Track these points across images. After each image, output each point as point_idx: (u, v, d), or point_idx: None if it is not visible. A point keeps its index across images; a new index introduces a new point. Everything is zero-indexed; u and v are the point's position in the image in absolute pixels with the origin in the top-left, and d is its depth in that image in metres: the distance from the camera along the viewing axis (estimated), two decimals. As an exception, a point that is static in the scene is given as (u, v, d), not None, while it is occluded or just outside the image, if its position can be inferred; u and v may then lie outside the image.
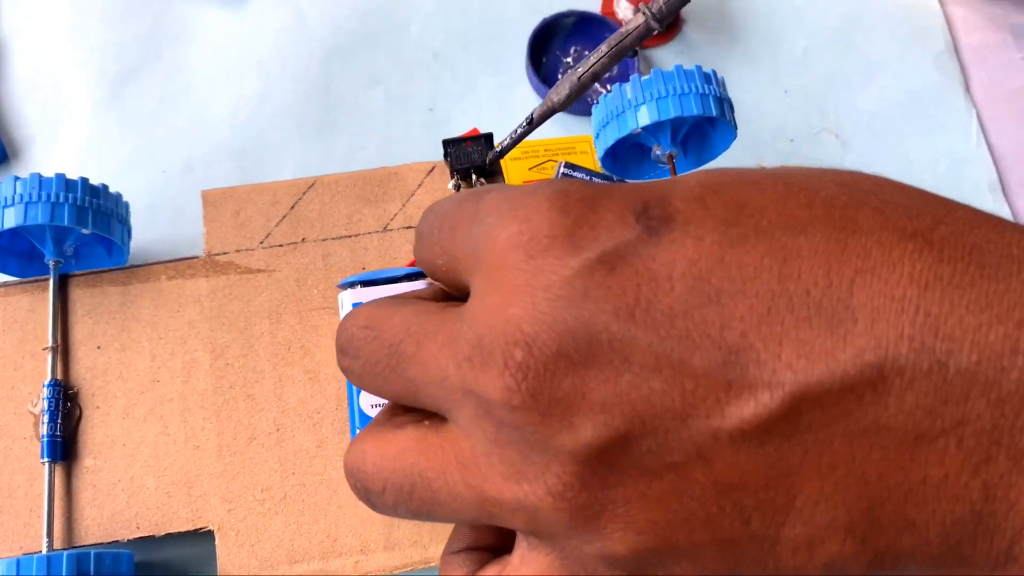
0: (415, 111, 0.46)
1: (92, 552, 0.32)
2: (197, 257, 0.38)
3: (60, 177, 0.36)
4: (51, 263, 0.37)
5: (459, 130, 0.46)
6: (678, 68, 0.36)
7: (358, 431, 0.33)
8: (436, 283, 0.22)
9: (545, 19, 0.48)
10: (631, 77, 0.36)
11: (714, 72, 0.36)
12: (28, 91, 0.45)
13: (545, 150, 0.41)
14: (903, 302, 0.15)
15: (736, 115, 0.37)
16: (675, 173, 0.38)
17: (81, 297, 0.37)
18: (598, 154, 0.38)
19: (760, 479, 0.16)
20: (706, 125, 0.39)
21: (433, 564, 0.34)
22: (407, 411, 0.20)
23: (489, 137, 0.38)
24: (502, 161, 0.39)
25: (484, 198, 0.19)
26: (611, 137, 0.36)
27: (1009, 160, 0.49)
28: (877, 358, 0.15)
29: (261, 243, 0.38)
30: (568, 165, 0.38)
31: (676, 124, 0.37)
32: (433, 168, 0.40)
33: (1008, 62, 0.52)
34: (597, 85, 0.48)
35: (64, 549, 0.33)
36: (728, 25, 0.51)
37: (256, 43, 0.47)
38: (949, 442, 0.15)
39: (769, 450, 0.16)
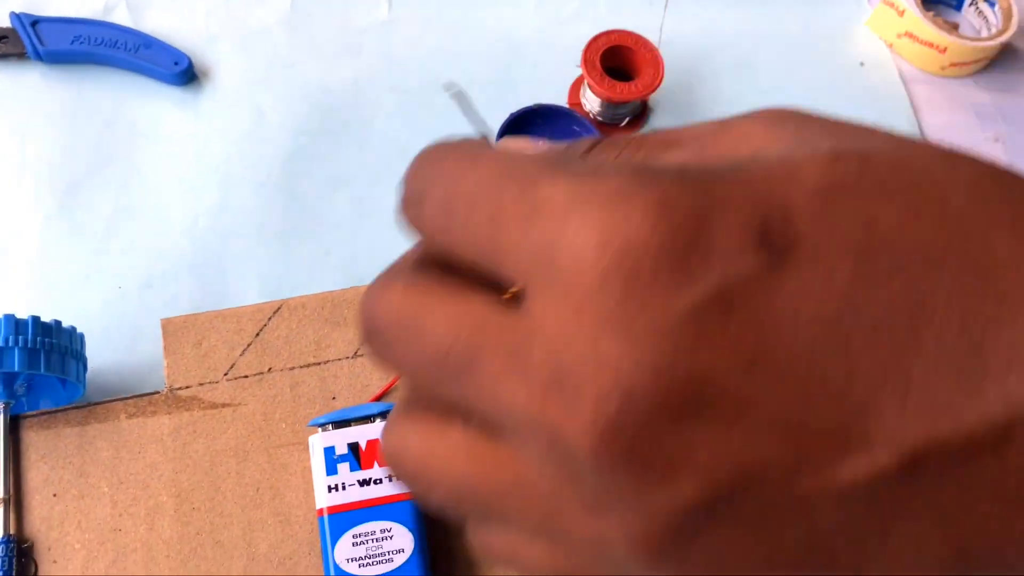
0: (383, 214, 0.45)
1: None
2: (158, 392, 0.36)
3: (9, 318, 0.34)
4: (0, 404, 0.35)
5: (428, 232, 0.45)
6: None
7: None
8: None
9: (513, 114, 0.47)
10: None
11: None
12: (-28, 204, 0.43)
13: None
14: None
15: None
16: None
17: (35, 440, 0.35)
18: None
19: (859, 526, 0.15)
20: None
21: None
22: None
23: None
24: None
25: (541, 186, 0.15)
26: None
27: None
28: (1006, 417, 0.14)
29: (225, 375, 0.37)
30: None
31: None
32: (403, 288, 0.39)
33: (976, 143, 0.52)
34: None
35: None
36: (695, 112, 0.51)
37: (214, 147, 0.45)
38: None
39: (874, 503, 0.15)
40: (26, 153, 0.44)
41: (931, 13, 0.52)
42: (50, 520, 0.34)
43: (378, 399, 0.37)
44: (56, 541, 0.34)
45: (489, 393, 0.16)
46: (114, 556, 0.34)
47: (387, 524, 0.33)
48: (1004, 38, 0.52)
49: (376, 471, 0.33)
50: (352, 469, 0.33)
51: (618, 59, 0.48)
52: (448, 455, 0.17)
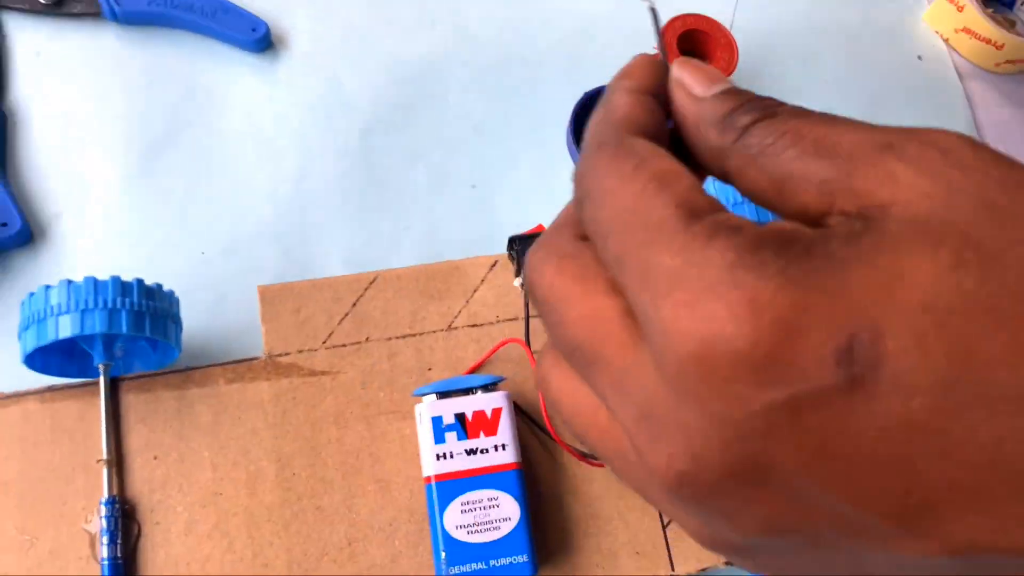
0: (458, 188, 0.45)
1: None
2: (257, 358, 0.37)
3: (116, 281, 0.34)
4: (101, 367, 0.35)
5: (503, 209, 0.45)
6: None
7: (442, 551, 0.33)
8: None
9: (588, 92, 0.48)
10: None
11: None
12: (51, 164, 0.43)
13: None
14: None
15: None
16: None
17: (134, 403, 0.35)
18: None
19: None
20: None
21: None
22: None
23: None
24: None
25: (654, 252, 0.16)
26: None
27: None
28: None
29: (324, 343, 0.37)
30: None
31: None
32: (496, 263, 0.39)
33: (1024, 139, 0.53)
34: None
35: None
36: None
37: (291, 115, 0.45)
38: None
39: (922, 571, 0.16)
40: (102, 116, 0.44)
41: (990, 10, 0.53)
42: (152, 483, 0.35)
43: (473, 371, 0.37)
44: (159, 503, 0.34)
45: (600, 391, 0.18)
46: (216, 519, 0.34)
47: (494, 493, 0.33)
48: (1061, 38, 0.53)
49: (483, 441, 0.34)
50: (459, 438, 0.34)
51: (691, 43, 0.49)
52: (576, 408, 0.20)
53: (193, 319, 0.40)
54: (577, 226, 0.20)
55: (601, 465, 0.35)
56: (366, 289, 0.38)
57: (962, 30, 0.54)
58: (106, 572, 0.33)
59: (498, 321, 0.38)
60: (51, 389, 0.35)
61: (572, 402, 0.20)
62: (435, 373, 0.37)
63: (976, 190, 0.15)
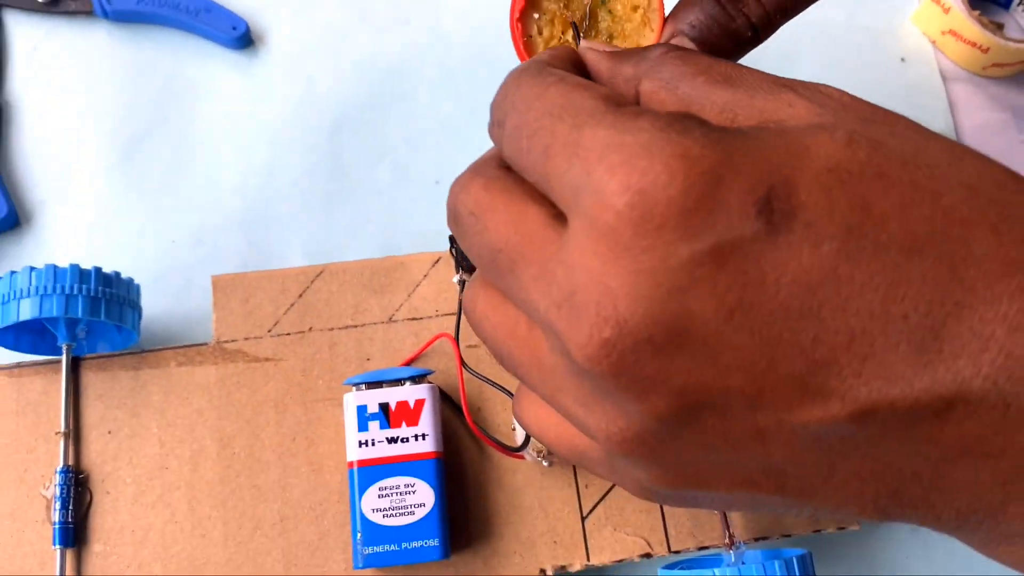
0: (421, 184, 0.47)
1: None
2: (206, 344, 0.39)
3: (75, 268, 0.37)
4: (64, 347, 0.38)
5: (464, 205, 0.46)
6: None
7: (358, 532, 0.35)
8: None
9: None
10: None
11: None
12: (39, 154, 0.46)
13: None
14: (989, 341, 0.16)
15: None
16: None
17: (93, 381, 0.38)
18: None
19: (807, 461, 0.18)
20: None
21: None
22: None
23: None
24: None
25: (587, 128, 0.18)
26: None
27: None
28: (950, 392, 0.16)
29: (269, 331, 0.39)
30: None
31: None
32: (439, 260, 0.41)
33: (1008, 144, 0.52)
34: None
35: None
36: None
37: (265, 111, 0.47)
38: (988, 462, 0.17)
39: (823, 444, 0.17)
40: (89, 109, 0.47)
41: (977, 12, 0.52)
42: (104, 455, 0.37)
43: (408, 363, 0.39)
44: (109, 475, 0.37)
45: (523, 293, 0.19)
46: (160, 492, 0.37)
47: (411, 480, 0.35)
48: (1048, 42, 0.52)
49: (404, 430, 0.36)
50: (382, 427, 0.36)
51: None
52: (498, 324, 0.21)
53: (159, 305, 0.43)
54: (499, 158, 0.21)
55: (522, 456, 0.37)
56: (312, 281, 0.40)
57: (948, 32, 0.53)
58: (57, 535, 0.36)
59: (437, 315, 0.40)
60: (19, 365, 0.38)
61: (494, 319, 0.21)
62: (373, 363, 0.39)
63: (856, 114, 0.18)
